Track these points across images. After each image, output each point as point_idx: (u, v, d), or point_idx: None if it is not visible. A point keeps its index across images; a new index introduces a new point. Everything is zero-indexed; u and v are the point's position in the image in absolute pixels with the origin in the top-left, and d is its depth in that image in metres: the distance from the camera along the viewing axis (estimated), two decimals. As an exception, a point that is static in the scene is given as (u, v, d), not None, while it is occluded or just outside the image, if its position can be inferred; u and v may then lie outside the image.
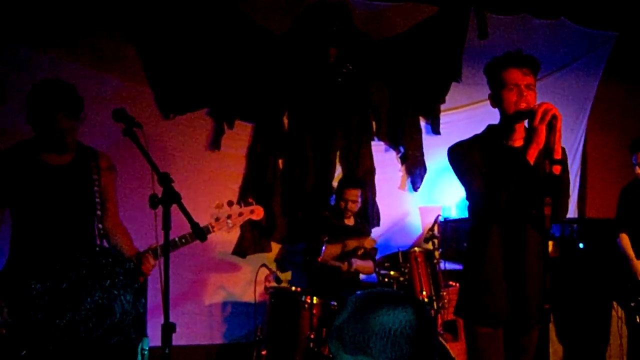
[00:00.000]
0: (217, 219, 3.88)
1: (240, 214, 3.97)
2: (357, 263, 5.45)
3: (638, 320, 5.00)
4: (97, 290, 1.46)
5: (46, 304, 1.44)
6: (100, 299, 1.46)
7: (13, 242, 3.61)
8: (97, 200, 3.71)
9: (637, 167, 5.19)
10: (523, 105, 3.13)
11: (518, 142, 3.27)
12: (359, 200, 5.72)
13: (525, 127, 3.26)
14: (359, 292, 1.77)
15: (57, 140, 3.54)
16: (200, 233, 3.00)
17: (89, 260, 1.50)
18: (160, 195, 2.84)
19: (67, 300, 1.44)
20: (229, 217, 3.91)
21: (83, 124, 3.67)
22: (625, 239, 5.26)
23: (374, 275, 5.54)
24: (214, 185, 5.90)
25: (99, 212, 3.72)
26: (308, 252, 5.52)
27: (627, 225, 5.29)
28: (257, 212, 4.07)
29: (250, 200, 4.12)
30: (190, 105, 5.80)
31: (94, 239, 3.73)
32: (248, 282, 5.77)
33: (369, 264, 5.56)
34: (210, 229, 3.81)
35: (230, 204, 3.96)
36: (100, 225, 3.73)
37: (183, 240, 3.70)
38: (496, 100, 3.25)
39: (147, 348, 1.56)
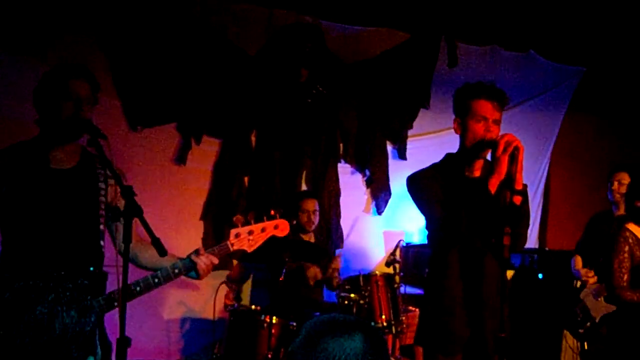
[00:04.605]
0: (237, 235, 3.32)
1: (264, 230, 3.39)
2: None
3: (586, 346, 5.03)
4: (38, 304, 1.42)
5: None
6: (40, 314, 1.42)
7: (2, 258, 3.08)
8: (102, 212, 3.21)
9: (615, 183, 5.16)
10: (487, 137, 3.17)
11: (477, 172, 3.31)
12: (317, 209, 5.72)
13: (484, 157, 3.30)
14: (312, 319, 1.75)
15: (71, 116, 3.03)
16: (160, 247, 2.89)
17: (39, 272, 1.47)
18: (122, 208, 2.79)
19: (6, 312, 1.41)
20: (250, 233, 3.36)
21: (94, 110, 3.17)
22: (577, 259, 5.38)
23: (333, 296, 5.54)
24: (179, 200, 5.88)
25: (102, 226, 3.22)
26: (270, 270, 5.49)
27: (582, 252, 5.36)
28: (282, 228, 3.46)
29: (273, 212, 3.47)
30: (159, 119, 5.77)
31: (98, 258, 3.21)
32: (208, 298, 5.70)
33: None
34: (230, 247, 3.30)
35: (251, 217, 3.46)
36: (102, 243, 3.22)
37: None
38: (462, 127, 3.28)
39: (92, 367, 1.52)
